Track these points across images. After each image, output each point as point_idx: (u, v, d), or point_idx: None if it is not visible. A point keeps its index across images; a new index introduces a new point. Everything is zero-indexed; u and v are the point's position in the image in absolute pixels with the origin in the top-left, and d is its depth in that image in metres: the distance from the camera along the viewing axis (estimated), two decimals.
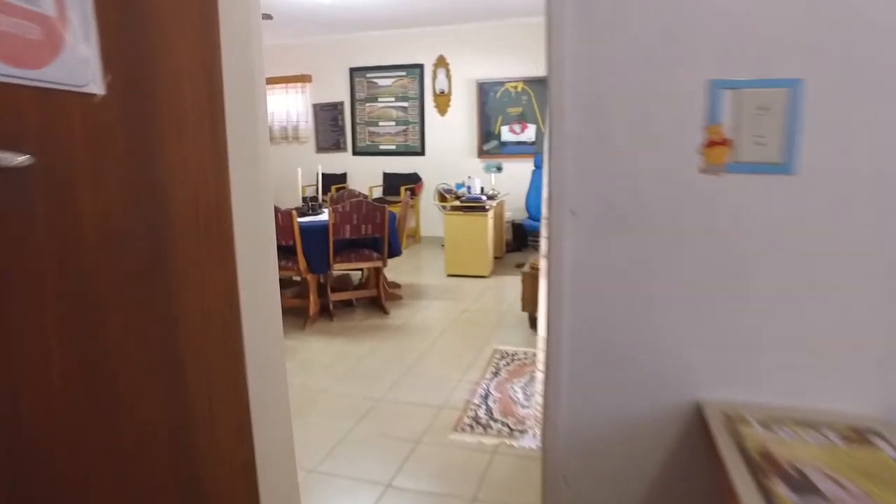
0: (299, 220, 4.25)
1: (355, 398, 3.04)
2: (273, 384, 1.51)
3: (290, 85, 8.14)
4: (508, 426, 2.72)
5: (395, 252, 4.53)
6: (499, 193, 6.24)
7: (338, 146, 8.14)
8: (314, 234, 4.07)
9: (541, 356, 2.44)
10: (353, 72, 7.88)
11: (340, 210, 4.06)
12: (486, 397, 3.02)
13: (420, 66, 7.57)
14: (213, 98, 1.22)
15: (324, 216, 4.46)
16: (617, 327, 1.12)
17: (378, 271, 4.48)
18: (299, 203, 4.90)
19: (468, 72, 7.36)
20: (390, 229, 4.36)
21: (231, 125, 1.28)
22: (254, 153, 1.41)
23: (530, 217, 6.21)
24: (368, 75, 7.83)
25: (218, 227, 1.23)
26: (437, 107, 7.60)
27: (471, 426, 2.73)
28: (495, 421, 2.77)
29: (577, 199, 1.09)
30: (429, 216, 7.78)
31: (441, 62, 7.47)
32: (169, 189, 1.09)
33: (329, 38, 7.92)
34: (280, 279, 1.68)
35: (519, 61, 7.10)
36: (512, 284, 5.27)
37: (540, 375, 2.44)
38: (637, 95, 1.08)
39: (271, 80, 8.11)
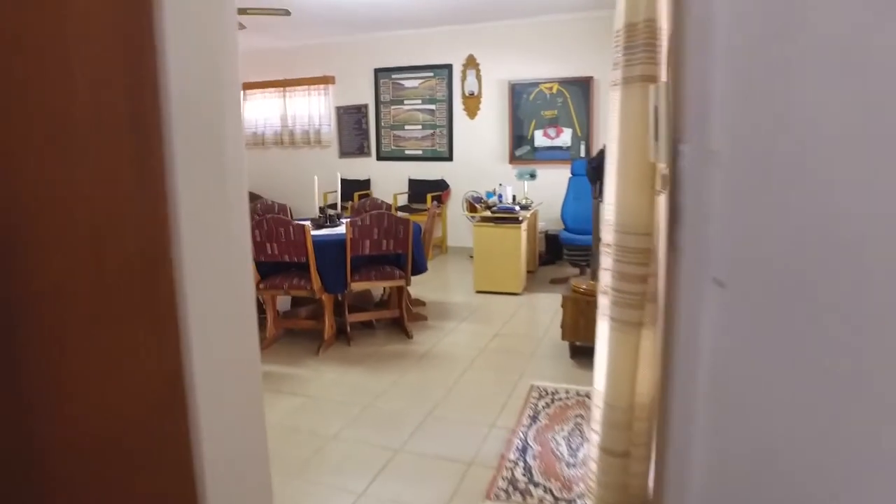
0: (314, 233, 3.85)
1: (371, 447, 2.61)
2: None
3: (312, 87, 7.80)
4: (552, 492, 2.26)
5: (419, 269, 4.10)
6: (532, 203, 5.77)
7: (361, 151, 7.77)
8: (330, 250, 3.67)
9: (596, 414, 1.98)
10: (378, 73, 7.50)
11: (359, 224, 3.65)
12: (523, 451, 2.56)
13: (448, 67, 7.14)
14: (139, 100, 0.79)
15: (342, 228, 4.06)
16: (797, 481, 0.65)
17: (401, 290, 4.06)
18: (316, 213, 4.51)
19: (499, 72, 6.91)
20: (415, 244, 3.93)
21: (179, 139, 0.86)
22: (219, 180, 0.98)
23: (567, 229, 5.73)
24: (394, 76, 7.44)
25: (147, 285, 0.81)
26: (466, 110, 7.17)
27: (506, 491, 2.27)
28: (536, 485, 2.31)
29: (727, 259, 0.63)
30: (456, 225, 7.35)
31: (471, 62, 7.04)
32: (24, 224, 0.67)
33: (353, 39, 7.56)
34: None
35: (554, 60, 6.62)
36: (547, 304, 4.79)
37: (595, 438, 1.97)
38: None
39: (292, 82, 7.80)
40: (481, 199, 6.11)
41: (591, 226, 5.70)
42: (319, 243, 3.64)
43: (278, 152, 8.31)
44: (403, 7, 6.08)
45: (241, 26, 5.09)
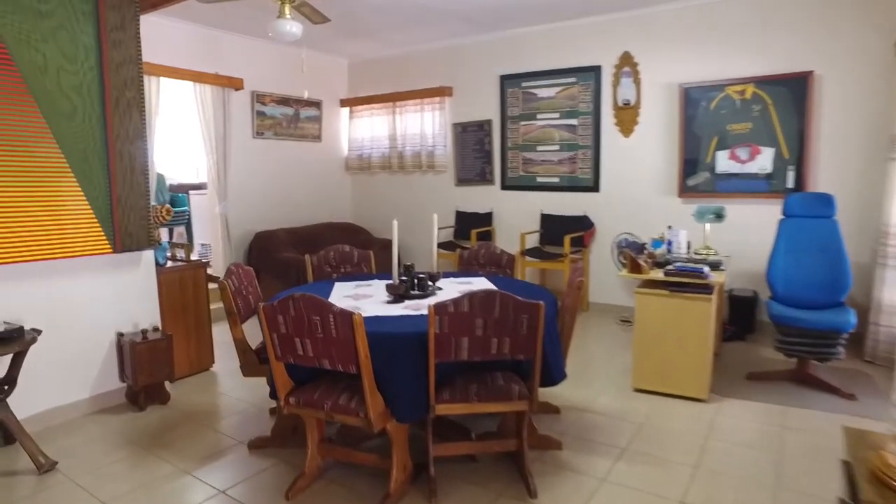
0: (385, 313, 2.42)
1: None
2: None
3: (425, 100, 6.53)
4: None
5: (552, 378, 2.50)
6: (722, 257, 3.91)
7: (483, 177, 6.33)
8: (401, 351, 2.21)
9: None
10: (505, 81, 6.04)
11: (452, 311, 2.14)
12: None
13: (595, 70, 5.50)
14: None
15: (436, 300, 2.60)
16: None
17: (522, 415, 2.48)
18: (395, 274, 3.07)
19: (666, 73, 5.13)
20: (547, 342, 2.35)
21: None
22: None
23: (776, 297, 3.78)
24: (524, 84, 5.93)
25: None
26: (618, 124, 5.46)
27: None
28: None
29: None
30: (602, 275, 5.61)
31: (626, 62, 5.33)
32: None
33: (474, 40, 6.18)
34: None
35: (748, 51, 4.72)
36: (755, 426, 2.93)
37: None
38: None
39: (401, 96, 6.60)
40: (642, 247, 4.35)
41: (827, 294, 3.72)
42: (384, 339, 2.19)
43: (386, 178, 7.14)
44: None
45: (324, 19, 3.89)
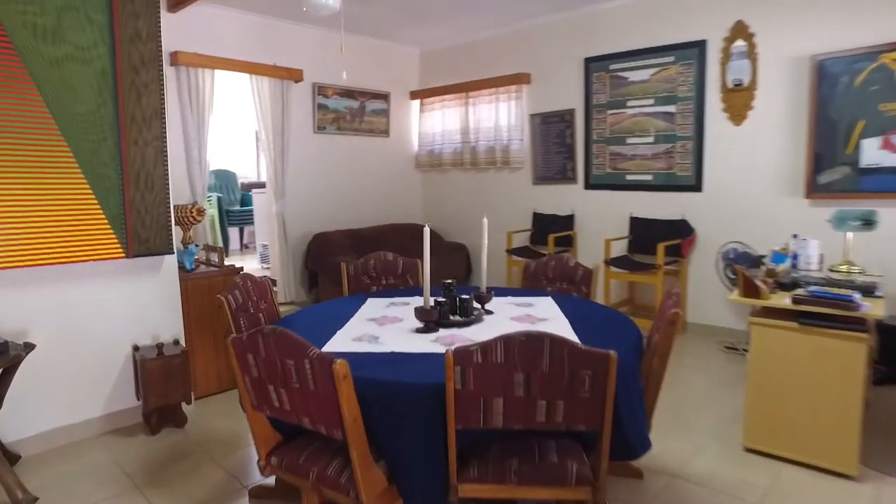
0: (404, 349, 1.82)
1: None
2: None
3: (500, 89, 5.87)
4: None
5: (631, 451, 1.78)
6: (863, 272, 2.95)
7: (564, 175, 5.57)
8: (411, 406, 1.58)
9: None
10: (591, 64, 5.25)
11: (478, 360, 1.49)
12: None
13: (700, 45, 4.59)
14: None
15: (482, 330, 1.97)
16: None
17: None
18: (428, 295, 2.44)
19: (793, 44, 4.14)
20: (622, 400, 1.64)
21: None
22: None
23: None
24: (613, 67, 5.12)
25: None
26: (727, 110, 4.52)
27: None
28: None
29: None
30: (703, 292, 4.69)
31: (739, 33, 4.39)
32: None
33: (556, 19, 5.44)
34: None
35: None
36: None
37: None
38: None
39: (474, 85, 5.98)
40: (757, 260, 3.45)
41: None
42: (389, 389, 1.58)
43: (458, 176, 6.54)
44: None
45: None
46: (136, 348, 3.13)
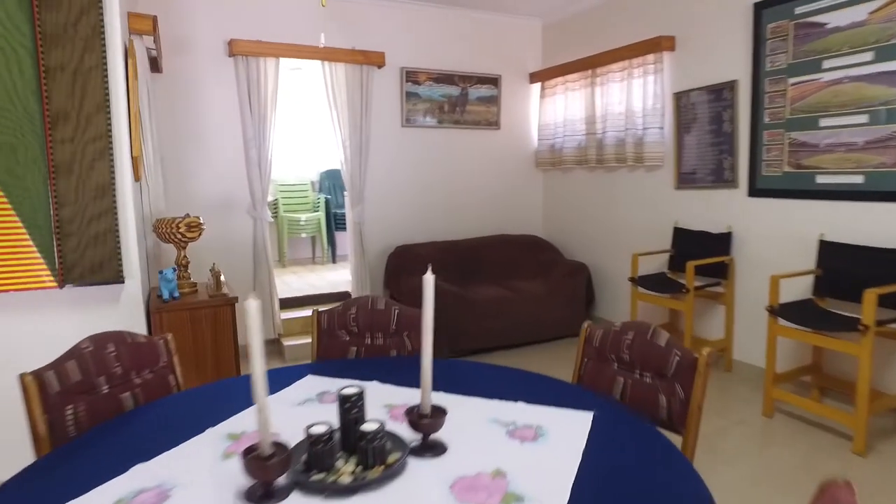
0: None
1: None
2: None
3: (634, 62, 4.41)
4: None
5: None
6: None
7: (719, 176, 3.96)
8: None
9: None
10: (763, 11, 3.58)
11: None
12: None
13: None
14: None
15: None
16: None
17: None
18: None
19: None
20: None
21: None
22: None
23: None
24: (800, 10, 3.40)
25: None
26: None
27: None
28: None
29: None
30: None
31: None
32: None
33: None
34: None
35: None
36: None
37: None
38: None
39: (601, 59, 4.65)
40: None
41: None
42: None
43: (581, 177, 5.19)
44: None
45: None
46: None
